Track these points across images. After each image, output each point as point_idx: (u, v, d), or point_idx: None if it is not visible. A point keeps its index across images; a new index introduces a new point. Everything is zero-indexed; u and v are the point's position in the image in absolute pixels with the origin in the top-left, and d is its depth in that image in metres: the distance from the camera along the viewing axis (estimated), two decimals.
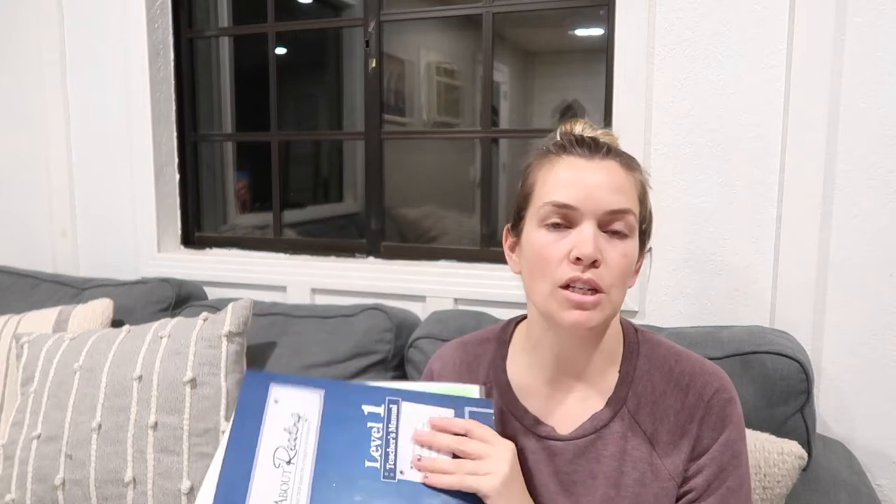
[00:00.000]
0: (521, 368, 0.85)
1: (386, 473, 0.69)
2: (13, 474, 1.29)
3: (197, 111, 1.99)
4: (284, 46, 1.94)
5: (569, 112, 1.73)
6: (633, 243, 0.75)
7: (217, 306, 1.53)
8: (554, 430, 0.80)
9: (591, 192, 0.73)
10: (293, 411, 0.72)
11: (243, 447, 0.69)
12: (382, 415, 0.73)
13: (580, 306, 0.72)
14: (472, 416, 0.75)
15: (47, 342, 1.41)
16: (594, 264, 0.72)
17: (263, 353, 1.45)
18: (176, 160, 1.94)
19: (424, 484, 0.69)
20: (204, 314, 1.39)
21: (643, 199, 0.79)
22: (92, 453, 1.26)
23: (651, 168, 1.40)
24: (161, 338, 1.34)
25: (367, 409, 0.73)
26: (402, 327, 1.47)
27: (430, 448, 0.72)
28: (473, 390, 0.78)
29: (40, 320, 1.54)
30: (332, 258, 1.80)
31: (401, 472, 0.69)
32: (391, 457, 0.70)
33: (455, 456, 0.72)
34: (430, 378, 0.92)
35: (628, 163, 0.78)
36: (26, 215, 2.03)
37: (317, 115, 2.10)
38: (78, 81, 1.92)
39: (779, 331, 1.27)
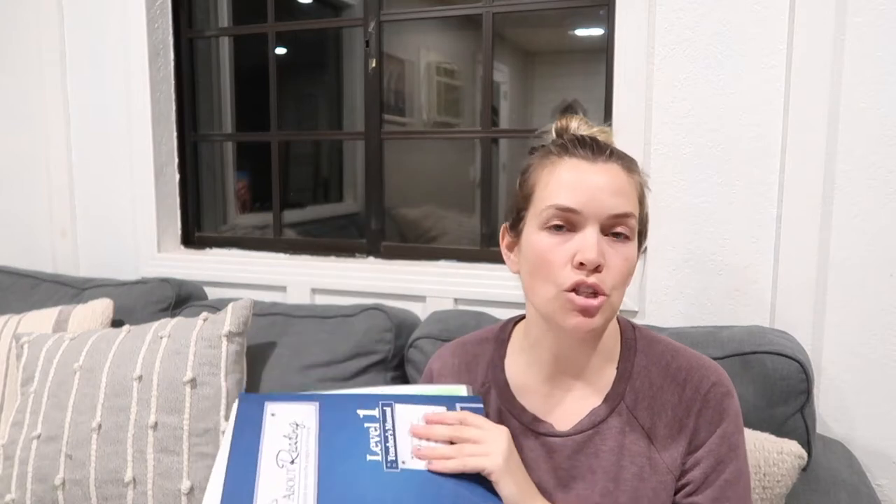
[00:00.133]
0: (520, 368, 0.85)
1: (388, 465, 0.70)
2: (13, 474, 1.29)
3: (197, 111, 1.99)
4: (284, 46, 1.94)
5: (569, 112, 1.73)
6: (633, 246, 0.76)
7: (217, 306, 1.53)
8: (552, 427, 0.81)
9: (594, 195, 0.73)
10: (291, 420, 0.73)
11: (245, 454, 0.69)
12: (378, 416, 0.74)
13: (585, 311, 0.73)
14: (464, 410, 0.77)
15: (47, 342, 1.41)
16: (597, 269, 0.72)
17: (263, 353, 1.45)
18: (176, 160, 1.94)
19: (428, 471, 0.70)
20: (204, 314, 1.39)
21: (642, 201, 0.79)
22: (92, 453, 1.26)
23: (651, 168, 1.41)
24: (161, 338, 1.34)
25: (362, 412, 0.74)
26: (402, 327, 1.47)
27: (427, 440, 0.73)
28: (461, 389, 0.80)
29: (40, 320, 1.54)
30: (332, 258, 1.81)
31: (403, 462, 0.70)
32: (391, 451, 0.71)
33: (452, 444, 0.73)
34: (430, 377, 0.92)
35: (629, 165, 0.78)
36: (26, 215, 2.03)
37: (317, 115, 2.10)
38: (78, 81, 1.92)
39: (779, 331, 1.27)
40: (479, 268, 1.64)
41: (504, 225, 0.85)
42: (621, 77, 1.41)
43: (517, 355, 0.87)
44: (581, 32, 1.70)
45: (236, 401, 0.76)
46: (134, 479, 1.24)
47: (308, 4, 2.01)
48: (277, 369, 1.42)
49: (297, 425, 0.72)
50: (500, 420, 0.83)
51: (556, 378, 0.82)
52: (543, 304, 0.76)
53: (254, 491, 0.66)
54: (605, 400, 0.80)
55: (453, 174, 1.88)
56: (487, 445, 0.71)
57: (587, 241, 0.72)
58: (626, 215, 0.74)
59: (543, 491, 0.78)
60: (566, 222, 0.74)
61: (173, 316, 1.62)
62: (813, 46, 1.28)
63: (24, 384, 1.38)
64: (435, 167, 1.89)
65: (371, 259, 1.79)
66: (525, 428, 0.82)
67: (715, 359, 1.13)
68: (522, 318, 0.89)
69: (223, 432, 1.26)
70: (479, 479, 0.70)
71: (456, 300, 1.60)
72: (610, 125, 0.84)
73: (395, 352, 1.44)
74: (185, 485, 1.24)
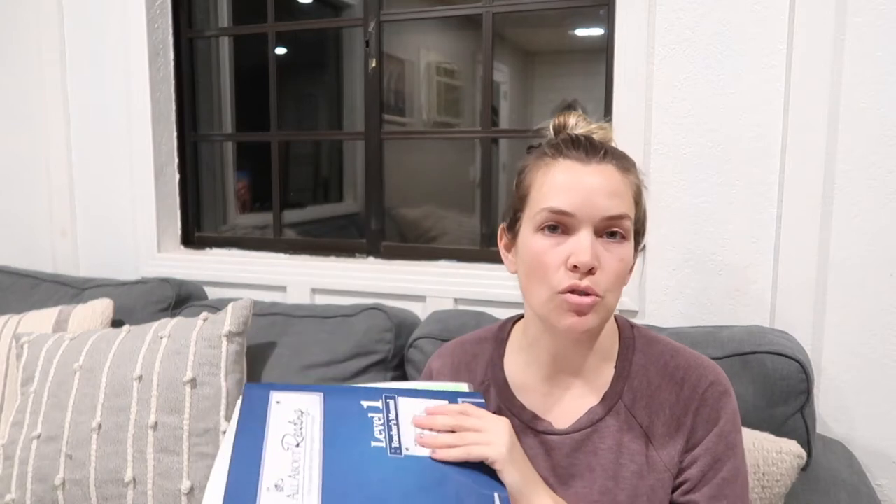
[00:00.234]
0: (519, 367, 0.86)
1: (392, 451, 0.71)
2: (13, 474, 1.29)
3: (197, 111, 1.99)
4: (284, 46, 1.94)
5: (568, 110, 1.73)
6: (628, 246, 0.76)
7: (217, 306, 1.53)
8: (551, 426, 0.81)
9: (587, 197, 0.73)
10: (296, 408, 0.74)
11: (251, 437, 0.70)
12: (381, 407, 0.75)
13: (578, 311, 0.73)
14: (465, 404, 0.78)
15: (47, 342, 1.41)
16: (591, 271, 0.73)
17: (263, 353, 1.45)
18: (176, 160, 1.94)
19: (431, 459, 0.71)
20: (204, 314, 1.39)
21: (638, 201, 0.79)
22: (92, 453, 1.26)
23: (651, 168, 1.41)
24: (161, 338, 1.34)
25: (365, 403, 0.75)
26: (402, 327, 1.47)
27: (430, 430, 0.73)
28: (463, 386, 0.80)
29: (40, 320, 1.54)
30: (332, 258, 1.81)
31: (406, 449, 0.71)
32: (395, 438, 0.72)
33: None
34: (430, 376, 0.93)
35: (624, 165, 0.78)
36: (26, 215, 2.03)
37: (317, 115, 2.10)
38: (78, 81, 1.92)
39: (779, 331, 1.27)
40: (478, 268, 1.64)
41: (502, 225, 0.86)
42: (621, 77, 1.41)
43: (516, 354, 0.87)
44: (581, 32, 1.70)
45: (242, 390, 0.76)
46: (134, 479, 1.24)
47: (308, 4, 2.01)
48: (277, 369, 1.42)
49: (301, 413, 0.74)
50: None
51: (555, 377, 0.83)
52: (539, 306, 0.76)
53: (259, 471, 0.67)
54: (604, 399, 0.81)
55: (453, 174, 1.88)
56: (490, 435, 0.71)
57: (581, 244, 0.73)
58: (620, 217, 0.74)
59: None
60: (560, 224, 0.75)
61: (173, 316, 1.62)
62: (813, 46, 1.28)
63: (24, 384, 1.38)
64: (435, 167, 1.89)
65: (371, 259, 1.79)
66: (524, 426, 0.82)
67: (715, 359, 1.13)
68: (521, 317, 0.89)
69: (223, 432, 1.26)
70: (482, 467, 0.70)
71: (456, 300, 1.60)
72: (609, 121, 0.84)
73: (395, 352, 1.44)
74: (185, 485, 1.24)
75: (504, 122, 1.82)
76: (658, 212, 1.41)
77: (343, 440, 0.71)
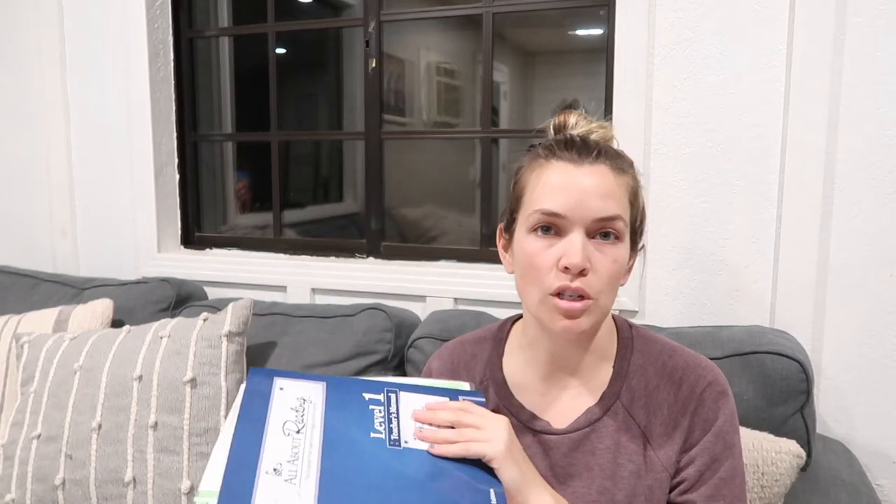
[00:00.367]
0: (518, 366, 0.86)
1: (391, 443, 0.71)
2: (13, 474, 1.29)
3: (197, 111, 1.99)
4: (284, 46, 1.94)
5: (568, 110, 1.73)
6: (623, 247, 0.76)
7: (217, 306, 1.53)
8: (549, 425, 0.82)
9: (579, 199, 0.73)
10: (298, 395, 0.75)
11: (253, 421, 0.71)
12: (382, 400, 0.76)
13: (569, 314, 0.73)
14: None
15: (47, 342, 1.41)
16: (583, 273, 0.73)
17: (263, 353, 1.45)
18: (176, 160, 1.94)
19: (429, 453, 0.71)
20: (204, 314, 1.39)
21: (634, 200, 0.79)
22: (92, 453, 1.26)
23: (651, 168, 1.41)
24: (161, 338, 1.34)
25: (367, 395, 0.76)
26: (402, 327, 1.47)
27: (430, 424, 0.74)
28: (464, 385, 0.81)
29: (40, 320, 1.54)
30: (332, 258, 1.81)
31: (405, 442, 0.72)
32: (395, 431, 0.73)
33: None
34: (429, 376, 0.93)
35: (619, 165, 0.77)
36: (26, 215, 2.03)
37: (317, 115, 2.09)
38: (78, 81, 1.92)
39: (779, 331, 1.27)
40: (478, 268, 1.64)
41: (500, 226, 0.86)
42: (621, 77, 1.41)
43: (515, 354, 0.87)
44: (581, 32, 1.70)
45: (233, 385, 0.77)
46: (134, 479, 1.24)
47: (308, 4, 2.01)
48: (278, 369, 1.42)
49: (304, 400, 0.74)
50: None
51: (553, 376, 0.83)
52: (532, 307, 0.77)
53: (259, 454, 0.67)
54: (601, 399, 0.81)
55: (453, 174, 1.88)
56: (488, 432, 0.71)
57: (572, 246, 0.73)
58: (612, 218, 0.74)
59: None
60: (552, 226, 0.75)
61: (173, 316, 1.62)
62: (813, 46, 1.28)
63: (24, 384, 1.38)
64: (435, 167, 1.89)
65: (371, 259, 1.79)
66: (522, 425, 0.83)
67: (715, 359, 1.13)
68: (520, 317, 0.89)
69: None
70: (479, 464, 0.71)
71: (456, 300, 1.60)
72: (608, 121, 0.84)
73: (395, 352, 1.44)
74: (185, 485, 1.24)
75: (504, 122, 1.82)
76: (658, 212, 1.41)
77: (343, 429, 0.72)
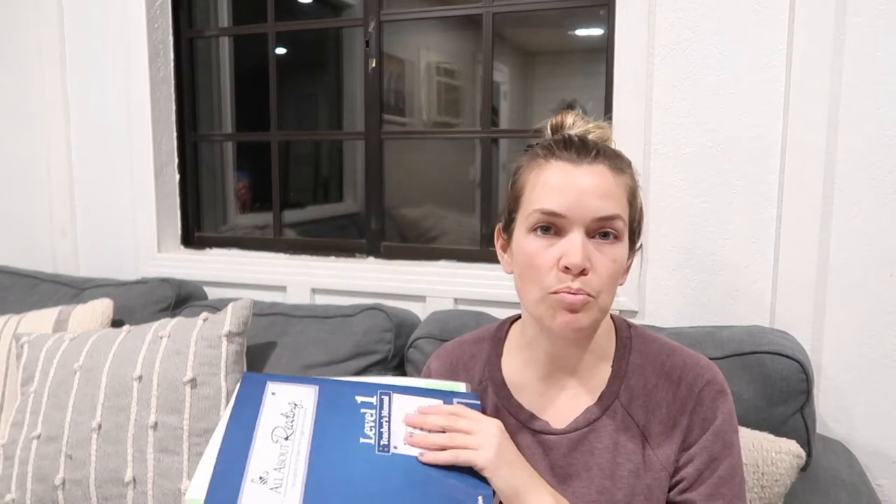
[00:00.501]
0: (516, 366, 0.86)
1: (380, 448, 0.71)
2: (13, 474, 1.29)
3: (197, 111, 1.99)
4: (284, 46, 1.94)
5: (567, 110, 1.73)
6: (622, 247, 0.76)
7: (217, 306, 1.53)
8: (548, 425, 0.82)
9: (579, 199, 0.73)
10: (290, 400, 0.75)
11: (242, 427, 0.71)
12: (375, 403, 0.76)
13: (570, 308, 0.73)
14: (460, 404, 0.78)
15: (47, 342, 1.41)
16: (583, 272, 0.73)
17: (263, 353, 1.45)
18: (176, 160, 1.94)
19: (419, 460, 0.71)
20: (204, 314, 1.39)
21: (632, 200, 0.79)
22: (92, 453, 1.26)
23: (651, 168, 1.41)
24: (161, 338, 1.34)
25: (360, 398, 0.76)
26: (402, 327, 1.47)
27: (420, 429, 0.73)
28: (460, 386, 0.81)
29: (40, 320, 1.54)
30: (332, 258, 1.81)
31: (394, 447, 0.72)
32: (385, 436, 0.73)
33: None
34: (429, 376, 0.93)
35: (617, 165, 0.77)
36: (26, 215, 2.03)
37: (317, 115, 2.09)
38: (78, 81, 1.92)
39: (779, 331, 1.27)
40: (478, 268, 1.64)
41: (498, 226, 0.86)
42: (621, 77, 1.41)
43: (513, 354, 0.87)
44: (581, 32, 1.70)
45: (233, 385, 0.77)
46: (134, 479, 1.24)
47: (308, 4, 2.01)
48: (277, 369, 1.42)
49: (295, 405, 0.74)
50: (496, 417, 0.83)
51: (552, 376, 0.83)
52: (532, 306, 0.77)
53: (246, 462, 0.68)
54: (600, 398, 0.81)
55: (453, 174, 1.88)
56: (479, 437, 0.71)
57: (572, 246, 0.73)
58: (611, 217, 0.74)
59: None
60: (552, 226, 0.75)
61: (173, 316, 1.62)
62: (813, 46, 1.28)
63: (24, 384, 1.38)
64: (435, 167, 1.89)
65: (371, 259, 1.79)
66: (521, 425, 0.83)
67: (715, 359, 1.13)
68: (519, 317, 0.90)
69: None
70: (470, 468, 0.71)
71: (456, 300, 1.60)
72: (607, 121, 0.84)
73: (395, 352, 1.44)
74: (185, 485, 1.24)
75: (504, 122, 1.82)
76: (658, 212, 1.41)
77: (332, 435, 0.72)
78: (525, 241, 0.77)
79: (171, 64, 1.91)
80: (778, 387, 1.12)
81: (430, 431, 0.73)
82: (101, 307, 1.57)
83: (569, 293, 0.73)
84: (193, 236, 1.99)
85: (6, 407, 1.47)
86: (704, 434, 0.77)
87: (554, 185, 0.75)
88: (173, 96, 1.92)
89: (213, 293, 1.81)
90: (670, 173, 1.40)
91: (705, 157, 1.38)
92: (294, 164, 2.05)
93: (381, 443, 0.72)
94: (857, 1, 1.25)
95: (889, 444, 1.31)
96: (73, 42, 1.91)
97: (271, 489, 0.65)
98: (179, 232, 1.96)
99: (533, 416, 0.83)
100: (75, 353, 1.36)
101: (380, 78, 1.75)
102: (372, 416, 0.74)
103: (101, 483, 1.25)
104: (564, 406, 0.82)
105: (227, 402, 1.29)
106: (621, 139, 1.40)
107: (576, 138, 0.78)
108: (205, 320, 1.37)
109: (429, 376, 0.93)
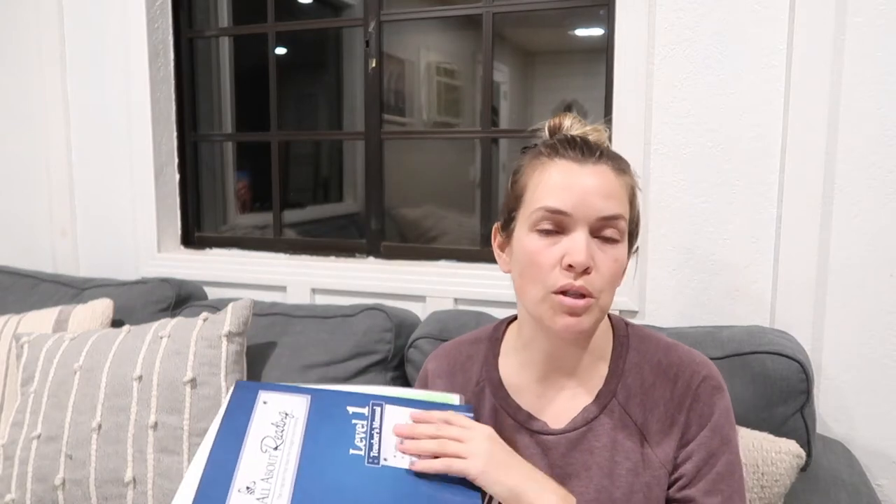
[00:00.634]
0: (514, 367, 0.86)
1: (370, 460, 0.71)
2: (13, 474, 1.29)
3: (197, 111, 1.99)
4: (284, 46, 1.94)
5: (566, 111, 1.73)
6: (623, 248, 0.77)
7: (217, 306, 1.53)
8: (546, 426, 0.82)
9: (583, 197, 0.74)
10: (281, 410, 0.75)
11: (232, 436, 0.71)
12: (366, 414, 0.75)
13: (572, 312, 0.73)
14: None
15: (47, 342, 1.41)
16: (586, 271, 0.73)
17: (263, 353, 1.45)
18: (176, 160, 1.94)
19: (409, 470, 0.71)
20: (204, 314, 1.39)
21: (633, 202, 0.79)
22: (92, 453, 1.26)
23: (651, 168, 1.41)
24: (161, 338, 1.34)
25: (351, 409, 0.76)
26: (402, 327, 1.47)
27: (411, 438, 0.73)
28: (454, 398, 0.80)
29: (40, 320, 1.54)
30: (332, 258, 1.81)
31: (384, 459, 0.71)
32: (375, 447, 0.72)
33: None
34: (426, 377, 0.93)
35: (620, 166, 0.78)
36: (26, 215, 2.03)
37: (317, 115, 2.09)
38: (78, 81, 1.92)
39: (779, 331, 1.27)
40: (478, 268, 1.64)
41: (496, 225, 0.86)
42: (621, 77, 1.41)
43: (510, 355, 0.87)
44: (581, 32, 1.70)
45: (232, 385, 0.77)
46: (134, 479, 1.24)
47: (308, 4, 2.01)
48: (277, 369, 1.42)
49: (286, 415, 0.74)
50: (494, 418, 0.84)
51: (549, 377, 0.83)
52: (533, 306, 0.77)
53: (234, 471, 0.67)
54: (597, 397, 0.81)
55: (453, 174, 1.88)
56: (469, 445, 0.71)
57: (576, 244, 0.73)
58: (615, 217, 0.74)
59: None
60: (556, 224, 0.75)
61: (173, 316, 1.62)
62: (813, 46, 1.28)
63: (24, 384, 1.38)
64: (435, 167, 1.89)
65: (371, 259, 1.79)
66: (519, 426, 0.82)
67: (714, 359, 1.13)
68: (515, 318, 0.89)
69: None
70: (460, 478, 0.71)
71: (456, 300, 1.60)
72: (603, 123, 0.84)
73: (395, 352, 1.44)
74: None
75: (504, 122, 1.82)
76: (658, 212, 1.41)
77: (322, 446, 0.71)
78: (527, 239, 0.77)
79: (171, 64, 1.91)
80: (778, 387, 1.12)
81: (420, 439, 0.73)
82: (101, 307, 1.57)
83: (571, 296, 0.73)
84: (193, 236, 1.99)
85: (6, 407, 1.47)
86: (702, 430, 0.77)
87: (558, 183, 0.75)
88: (173, 96, 1.92)
89: (213, 293, 1.81)
90: (670, 173, 1.40)
91: (705, 157, 1.38)
92: (294, 164, 2.05)
93: (371, 454, 0.71)
94: (857, 1, 1.25)
95: (889, 444, 1.31)
96: (73, 42, 1.91)
97: (258, 499, 0.65)
98: (179, 232, 1.96)
99: (531, 417, 0.83)
100: (75, 353, 1.36)
101: (380, 78, 1.75)
102: (363, 427, 0.74)
103: (101, 483, 1.25)
104: (562, 406, 0.82)
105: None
106: (621, 139, 1.41)
107: (579, 139, 0.79)
108: (205, 320, 1.37)
109: (426, 377, 0.93)
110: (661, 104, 1.39)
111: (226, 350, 1.32)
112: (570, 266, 0.72)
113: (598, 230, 0.75)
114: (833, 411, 1.34)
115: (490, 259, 1.66)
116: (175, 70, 1.91)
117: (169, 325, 1.38)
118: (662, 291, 1.43)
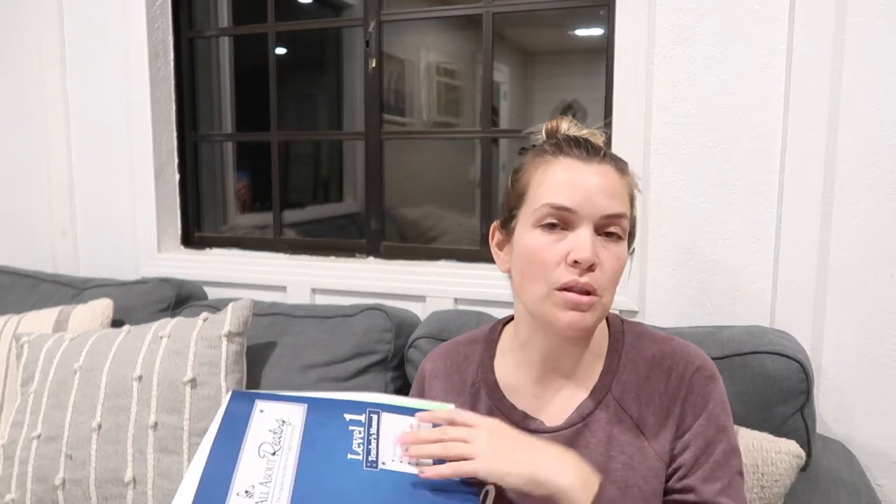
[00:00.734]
0: (509, 368, 0.86)
1: (368, 464, 0.71)
2: (13, 474, 1.29)
3: (197, 111, 1.99)
4: (284, 46, 1.94)
5: (569, 112, 1.73)
6: (624, 246, 0.78)
7: (217, 306, 1.53)
8: (543, 424, 0.82)
9: (588, 195, 0.74)
10: (278, 417, 0.75)
11: (229, 442, 0.71)
12: (364, 421, 0.76)
13: (577, 307, 0.73)
14: None
15: (47, 342, 1.41)
16: (591, 268, 0.73)
17: (263, 353, 1.45)
18: (176, 160, 1.94)
19: (407, 473, 0.71)
20: (204, 314, 1.39)
21: (632, 203, 0.80)
22: (92, 453, 1.26)
23: (651, 168, 1.41)
24: (161, 338, 1.34)
25: (348, 416, 0.76)
26: (402, 327, 1.47)
27: (415, 445, 0.73)
28: (450, 407, 0.80)
29: (40, 320, 1.54)
30: (332, 258, 1.81)
31: (382, 463, 0.71)
32: (373, 452, 0.73)
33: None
34: (423, 378, 0.94)
35: (621, 167, 0.79)
36: (26, 215, 2.03)
37: (317, 115, 2.09)
38: (78, 81, 1.92)
39: (779, 331, 1.27)
40: (478, 268, 1.64)
41: (494, 223, 0.86)
42: (621, 77, 1.41)
43: (506, 356, 0.87)
44: (581, 32, 1.70)
45: (228, 393, 0.77)
46: (134, 479, 1.24)
47: (308, 4, 2.01)
48: (277, 369, 1.42)
49: (283, 422, 0.75)
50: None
51: (546, 378, 0.83)
52: (535, 303, 0.77)
53: (232, 476, 0.68)
54: (593, 392, 0.81)
55: (453, 174, 1.88)
56: (474, 444, 0.71)
57: (582, 241, 0.73)
58: (619, 216, 0.75)
59: None
60: (561, 221, 0.75)
61: (173, 316, 1.62)
62: (813, 46, 1.28)
63: (24, 384, 1.38)
64: (435, 167, 1.89)
65: (371, 259, 1.79)
66: (516, 426, 0.82)
67: (715, 359, 1.13)
68: (512, 318, 0.89)
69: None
70: (460, 479, 0.71)
71: (456, 300, 1.60)
72: (600, 127, 0.85)
73: (395, 352, 1.44)
74: None
75: (504, 122, 1.82)
76: (658, 212, 1.41)
77: (320, 451, 0.71)
78: (530, 236, 0.77)
79: (171, 64, 1.91)
80: (778, 387, 1.12)
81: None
82: (101, 307, 1.57)
83: (576, 293, 0.73)
84: (193, 236, 1.99)
85: (6, 407, 1.47)
86: (697, 420, 0.78)
87: (563, 180, 0.75)
88: (173, 96, 1.92)
89: (213, 293, 1.81)
90: (670, 173, 1.40)
91: (705, 157, 1.38)
92: (294, 164, 2.05)
93: (370, 459, 0.71)
94: (857, 1, 1.25)
95: (889, 444, 1.31)
96: (73, 42, 1.91)
97: (257, 502, 0.65)
98: (179, 232, 1.96)
99: (527, 416, 0.83)
100: (75, 353, 1.36)
101: (380, 78, 1.75)
102: (360, 433, 0.74)
103: (101, 483, 1.25)
104: (559, 405, 0.82)
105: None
106: (621, 139, 1.41)
107: (582, 139, 0.80)
108: (205, 320, 1.37)
109: (423, 378, 0.93)
110: (661, 104, 1.39)
111: (226, 350, 1.32)
112: (576, 262, 0.73)
113: (602, 228, 0.75)
114: (833, 411, 1.34)
115: (490, 259, 1.66)
116: (175, 70, 1.91)
117: (169, 325, 1.38)
118: (662, 291, 1.43)
